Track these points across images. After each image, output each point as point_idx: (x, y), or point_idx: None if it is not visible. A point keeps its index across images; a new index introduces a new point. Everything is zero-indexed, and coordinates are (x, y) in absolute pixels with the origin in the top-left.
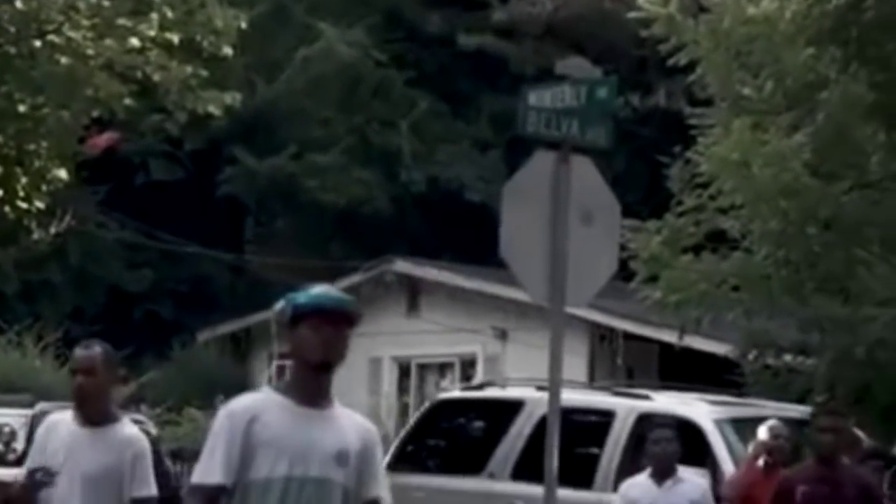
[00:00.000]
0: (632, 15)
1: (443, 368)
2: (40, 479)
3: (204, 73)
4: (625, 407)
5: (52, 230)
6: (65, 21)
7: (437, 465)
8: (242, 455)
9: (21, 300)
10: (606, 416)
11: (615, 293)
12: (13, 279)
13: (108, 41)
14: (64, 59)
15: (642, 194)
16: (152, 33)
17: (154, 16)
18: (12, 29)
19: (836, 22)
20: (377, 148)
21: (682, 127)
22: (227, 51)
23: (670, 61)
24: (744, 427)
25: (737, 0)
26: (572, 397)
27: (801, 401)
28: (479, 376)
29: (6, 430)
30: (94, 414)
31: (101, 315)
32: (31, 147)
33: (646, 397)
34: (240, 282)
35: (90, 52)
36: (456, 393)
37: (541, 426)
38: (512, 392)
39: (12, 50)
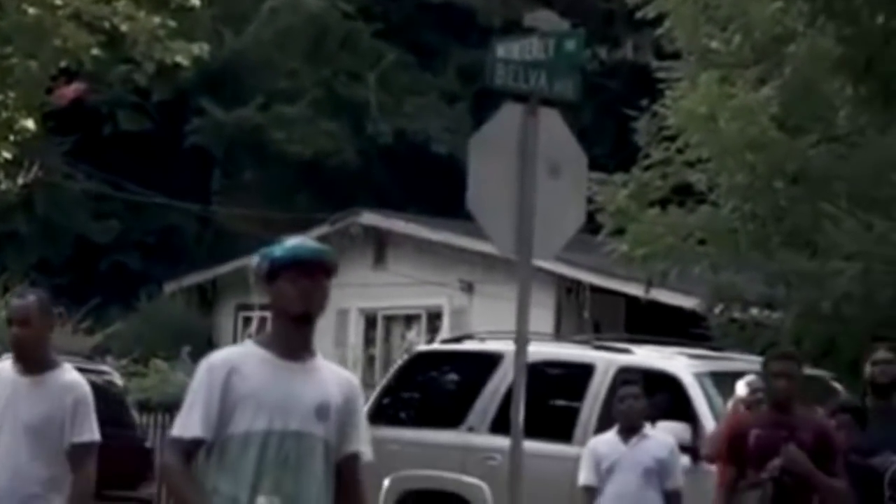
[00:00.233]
0: None
1: (409, 321)
2: None
3: (172, 23)
4: (604, 360)
5: (20, 181)
6: None
7: (415, 418)
8: (221, 408)
9: None
10: (586, 370)
11: (582, 246)
12: None
13: None
14: (32, 10)
15: (609, 147)
16: None
17: None
18: None
19: None
20: (344, 100)
21: (650, 80)
22: (195, 1)
23: (638, 14)
24: (723, 381)
25: None
26: (551, 350)
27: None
28: (445, 329)
29: None
30: (33, 363)
31: (67, 266)
32: None
33: (626, 351)
34: (206, 233)
35: (58, 2)
36: (434, 346)
37: None
38: (491, 345)
39: None
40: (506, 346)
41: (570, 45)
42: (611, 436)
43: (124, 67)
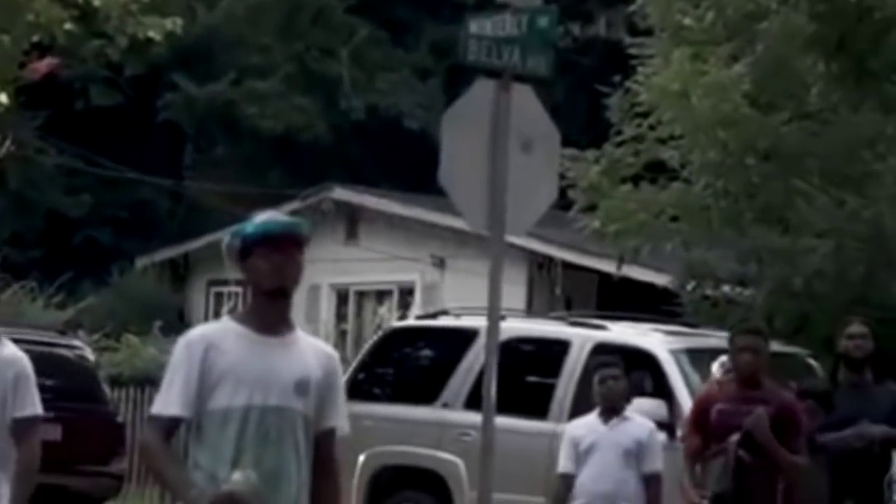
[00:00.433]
0: None
1: (381, 296)
2: None
3: None
4: (580, 337)
5: None
6: None
7: (390, 394)
8: (200, 385)
9: None
10: (562, 346)
11: (554, 222)
12: None
13: None
14: None
15: (582, 124)
16: None
17: None
18: None
19: None
20: (316, 75)
21: (622, 57)
22: None
23: None
24: (698, 357)
25: None
26: (527, 327)
27: None
28: (417, 304)
29: None
30: None
31: (39, 240)
32: None
33: (601, 327)
34: (179, 208)
35: None
36: (410, 321)
37: None
38: (466, 321)
39: None
40: (481, 323)
41: (543, 21)
42: (591, 418)
43: (97, 42)
